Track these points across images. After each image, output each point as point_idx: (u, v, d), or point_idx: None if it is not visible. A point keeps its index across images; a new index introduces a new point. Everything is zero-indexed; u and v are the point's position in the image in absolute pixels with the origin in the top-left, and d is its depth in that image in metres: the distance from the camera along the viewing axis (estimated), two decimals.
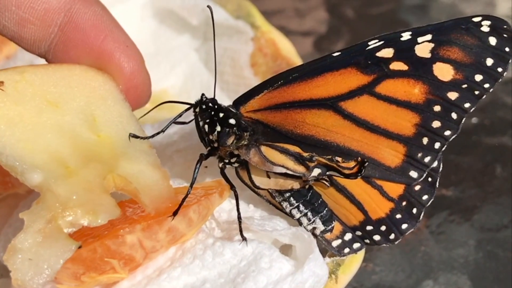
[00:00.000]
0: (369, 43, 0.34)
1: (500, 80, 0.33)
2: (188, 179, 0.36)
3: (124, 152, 0.30)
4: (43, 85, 0.30)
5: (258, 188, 0.35)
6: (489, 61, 0.33)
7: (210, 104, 0.34)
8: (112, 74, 0.32)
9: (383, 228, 0.35)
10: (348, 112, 0.34)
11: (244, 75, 0.49)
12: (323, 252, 0.35)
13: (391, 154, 0.34)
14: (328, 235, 0.35)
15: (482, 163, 0.49)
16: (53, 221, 0.27)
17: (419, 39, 0.33)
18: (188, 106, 0.35)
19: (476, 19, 0.33)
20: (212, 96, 0.35)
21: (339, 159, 0.33)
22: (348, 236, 0.36)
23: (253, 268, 0.32)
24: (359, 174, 0.33)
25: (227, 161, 0.35)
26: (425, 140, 0.34)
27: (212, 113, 0.34)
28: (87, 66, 0.32)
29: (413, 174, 0.34)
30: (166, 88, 0.52)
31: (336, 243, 0.36)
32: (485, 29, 0.33)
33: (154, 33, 0.54)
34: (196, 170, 0.33)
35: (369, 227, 0.35)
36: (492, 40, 0.33)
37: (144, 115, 0.34)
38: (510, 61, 0.33)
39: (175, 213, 0.31)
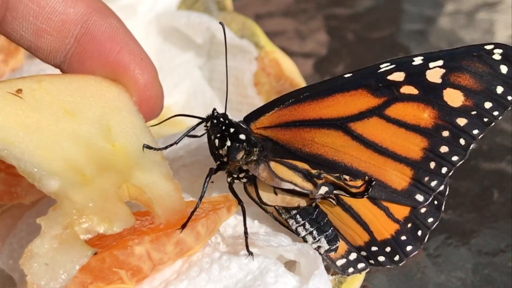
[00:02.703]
0: (381, 66, 0.34)
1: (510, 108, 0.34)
2: (194, 193, 0.37)
3: (138, 162, 0.31)
4: (59, 94, 0.31)
5: (265, 204, 0.35)
6: (499, 89, 0.33)
7: (221, 119, 0.35)
8: (127, 85, 0.33)
9: (388, 249, 0.36)
10: (357, 133, 0.34)
11: (247, 93, 0.50)
12: (327, 269, 0.35)
13: (398, 177, 0.35)
14: (332, 254, 0.35)
15: (480, 188, 0.50)
16: (69, 227, 0.27)
17: (431, 64, 0.34)
18: (200, 120, 0.35)
19: (488, 47, 0.34)
20: (225, 111, 0.35)
21: (347, 177, 0.33)
22: (353, 256, 0.36)
23: (259, 282, 0.32)
24: (366, 193, 0.33)
25: (235, 176, 0.35)
26: (432, 165, 0.34)
27: (223, 128, 0.34)
28: (102, 77, 0.32)
29: (419, 197, 0.35)
30: (169, 105, 0.52)
31: (340, 262, 0.36)
32: (497, 57, 0.33)
33: (159, 50, 0.54)
34: (206, 184, 0.33)
35: (374, 248, 0.36)
36: (503, 69, 0.33)
37: (154, 125, 0.35)
38: None
39: (183, 226, 0.31)
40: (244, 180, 0.35)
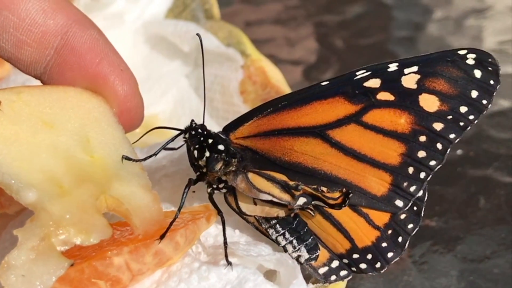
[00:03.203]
0: (357, 73, 0.34)
1: (485, 112, 0.34)
2: (176, 203, 0.37)
3: (117, 173, 0.31)
4: (39, 105, 0.31)
5: (245, 214, 0.35)
6: (474, 93, 0.33)
7: (200, 130, 0.35)
8: (106, 97, 0.33)
9: (369, 256, 0.36)
10: (336, 141, 0.34)
11: (233, 102, 0.50)
12: (308, 278, 0.36)
13: (377, 183, 0.34)
14: (314, 262, 0.35)
15: (466, 195, 0.50)
16: (46, 239, 0.27)
17: (406, 71, 0.34)
18: (178, 131, 0.35)
19: (461, 52, 0.34)
20: (203, 122, 0.35)
21: (324, 189, 0.33)
22: (335, 264, 0.36)
23: None
24: (344, 205, 0.33)
25: (215, 186, 0.35)
26: (410, 170, 0.34)
27: (201, 138, 0.35)
28: (82, 88, 0.32)
29: (399, 203, 0.35)
30: (156, 113, 0.52)
31: (322, 270, 0.36)
32: (471, 62, 0.34)
33: (146, 58, 0.55)
34: (185, 194, 0.33)
35: (355, 255, 0.36)
36: (477, 73, 0.34)
37: (139, 139, 0.35)
38: (494, 94, 0.34)
39: (162, 237, 0.31)
40: (224, 190, 0.35)
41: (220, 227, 0.35)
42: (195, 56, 0.53)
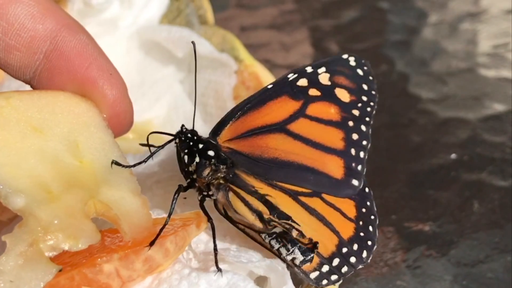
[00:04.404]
0: (288, 76, 0.39)
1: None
2: (167, 210, 0.37)
3: (106, 178, 0.31)
4: (28, 111, 0.31)
5: (234, 221, 0.35)
6: (365, 86, 0.40)
7: (190, 135, 0.35)
8: (96, 101, 0.32)
9: (355, 246, 0.37)
10: (295, 133, 0.38)
11: (227, 107, 0.50)
12: (299, 284, 0.35)
13: (335, 167, 0.38)
14: (306, 267, 0.35)
15: (460, 199, 0.50)
16: (34, 244, 0.27)
17: (319, 71, 0.39)
18: (170, 137, 0.36)
19: (344, 56, 0.40)
20: (193, 128, 0.36)
21: (295, 233, 0.34)
22: (325, 268, 0.36)
23: None
24: (311, 254, 0.34)
25: (205, 193, 0.35)
26: (353, 151, 0.39)
27: (191, 144, 0.35)
28: (71, 93, 0.32)
29: (355, 182, 0.38)
30: (150, 119, 0.52)
31: (314, 275, 0.36)
32: (353, 63, 0.40)
33: (140, 64, 0.54)
34: (174, 200, 0.34)
35: (344, 249, 0.36)
36: (360, 72, 0.40)
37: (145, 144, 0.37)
38: (376, 86, 0.40)
39: (152, 243, 0.31)
40: (214, 197, 0.35)
41: (211, 233, 0.35)
42: (189, 61, 0.53)
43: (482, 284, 0.44)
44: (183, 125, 0.36)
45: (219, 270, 0.33)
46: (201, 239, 0.35)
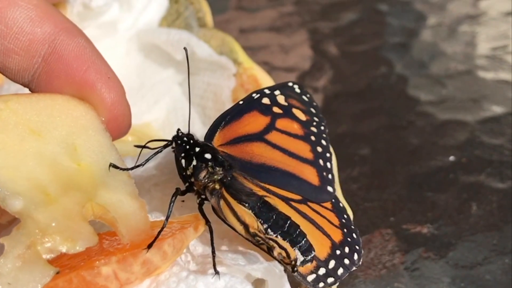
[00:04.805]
0: (253, 95, 0.41)
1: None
2: (165, 212, 0.37)
3: (104, 181, 0.31)
4: (26, 113, 0.31)
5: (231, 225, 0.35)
6: (313, 110, 0.42)
7: (186, 139, 0.36)
8: (94, 104, 0.33)
9: (346, 249, 0.37)
10: (273, 143, 0.39)
11: (225, 110, 0.50)
12: (298, 285, 0.35)
13: (311, 174, 0.39)
14: (303, 270, 0.35)
15: (458, 201, 0.50)
16: (32, 247, 0.27)
17: (275, 93, 0.41)
18: (166, 142, 0.36)
19: (290, 84, 0.43)
20: (189, 131, 0.37)
21: (277, 252, 0.34)
22: (322, 271, 0.36)
23: None
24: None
25: (204, 196, 0.35)
26: (321, 162, 0.40)
27: (187, 147, 0.35)
28: (69, 96, 0.32)
29: (330, 189, 0.39)
30: (149, 122, 0.52)
31: (311, 277, 0.36)
32: (298, 90, 0.42)
33: (139, 67, 0.55)
34: (172, 203, 0.34)
35: (338, 251, 0.36)
36: (305, 97, 0.42)
37: (144, 146, 0.37)
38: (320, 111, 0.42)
39: (150, 246, 0.31)
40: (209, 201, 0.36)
41: (209, 236, 0.35)
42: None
43: (480, 286, 0.44)
44: (179, 129, 0.36)
45: (216, 272, 0.33)
46: (199, 242, 0.35)
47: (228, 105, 0.50)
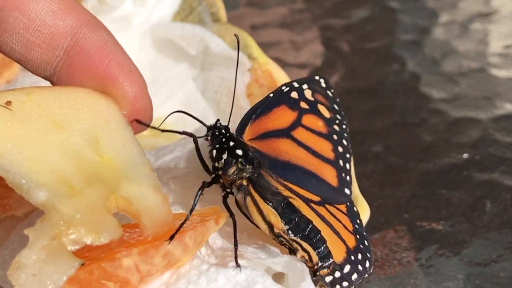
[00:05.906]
0: (283, 88, 0.40)
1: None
2: (184, 206, 0.37)
3: (126, 174, 0.31)
4: (48, 106, 0.31)
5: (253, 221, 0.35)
6: (336, 106, 0.41)
7: (223, 131, 0.36)
8: (116, 98, 0.33)
9: (359, 256, 0.37)
10: (298, 140, 0.39)
11: (240, 105, 0.50)
12: (315, 282, 0.35)
13: (330, 175, 0.39)
14: (322, 271, 0.35)
15: (472, 199, 0.50)
16: (57, 238, 0.27)
17: (303, 87, 0.40)
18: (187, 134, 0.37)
19: (317, 78, 0.42)
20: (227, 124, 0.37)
21: (300, 254, 0.34)
22: (337, 274, 0.36)
23: None
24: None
25: (229, 190, 0.35)
26: (341, 162, 0.40)
27: (223, 139, 0.35)
28: (91, 89, 0.32)
29: (347, 191, 0.39)
30: (163, 116, 0.52)
31: (328, 279, 0.36)
32: (323, 84, 0.42)
33: (153, 61, 0.55)
34: (197, 197, 0.34)
35: (352, 257, 0.36)
36: (330, 92, 0.42)
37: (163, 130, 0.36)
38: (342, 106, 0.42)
39: (171, 238, 0.31)
40: (239, 195, 0.35)
41: (228, 229, 0.35)
42: (202, 59, 0.53)
43: (495, 283, 0.44)
44: (218, 120, 0.36)
45: (238, 265, 0.33)
46: (219, 235, 0.35)
47: (243, 100, 0.50)
